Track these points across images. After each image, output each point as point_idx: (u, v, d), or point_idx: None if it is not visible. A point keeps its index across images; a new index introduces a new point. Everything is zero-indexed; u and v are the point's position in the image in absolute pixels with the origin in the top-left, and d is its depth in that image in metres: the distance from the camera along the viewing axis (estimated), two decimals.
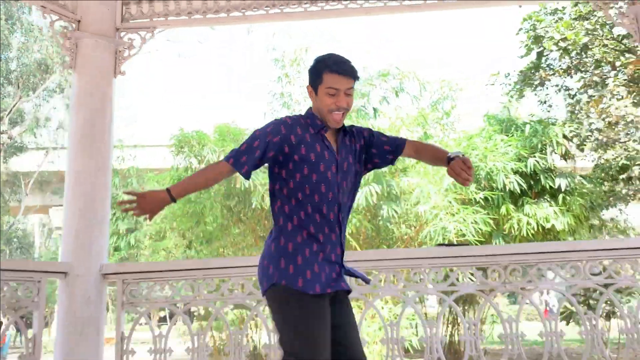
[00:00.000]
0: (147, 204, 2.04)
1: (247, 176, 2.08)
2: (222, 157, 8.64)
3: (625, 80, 8.46)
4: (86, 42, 3.32)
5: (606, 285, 2.97)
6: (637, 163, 8.34)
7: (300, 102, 13.21)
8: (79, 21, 3.35)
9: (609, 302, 5.82)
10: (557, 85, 10.08)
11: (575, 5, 8.91)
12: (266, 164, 2.14)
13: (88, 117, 3.26)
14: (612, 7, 3.46)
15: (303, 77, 13.01)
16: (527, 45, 9.59)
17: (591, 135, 8.93)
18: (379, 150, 2.26)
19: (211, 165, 2.13)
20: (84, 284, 3.02)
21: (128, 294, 3.09)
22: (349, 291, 2.14)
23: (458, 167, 2.02)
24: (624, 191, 9.33)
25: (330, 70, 2.07)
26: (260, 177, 9.64)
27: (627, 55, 8.59)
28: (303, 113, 2.23)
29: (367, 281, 2.29)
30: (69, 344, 2.97)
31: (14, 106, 18.38)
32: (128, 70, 3.43)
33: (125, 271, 3.16)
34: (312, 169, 2.06)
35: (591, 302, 8.66)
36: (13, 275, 2.80)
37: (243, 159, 2.04)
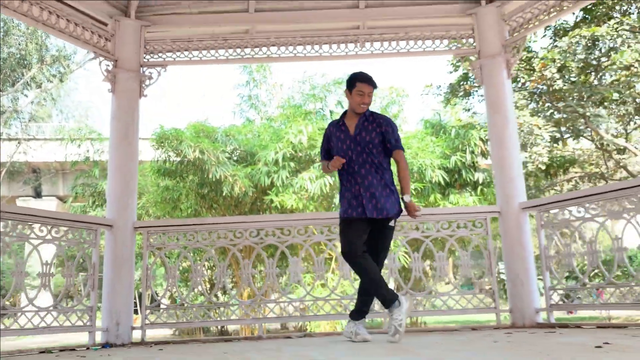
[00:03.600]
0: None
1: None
2: (197, 153, 10.42)
3: (526, 93, 10.45)
4: (121, 75, 5.01)
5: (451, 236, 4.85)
6: (528, 163, 10.32)
7: (266, 104, 14.89)
8: (116, 60, 5.04)
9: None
10: (481, 96, 12.09)
11: None
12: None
13: (122, 126, 4.95)
14: (466, 60, 5.34)
15: (269, 80, 14.70)
16: (453, 63, 11.55)
17: None
18: (379, 142, 3.70)
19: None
20: (122, 233, 4.72)
21: (151, 241, 4.82)
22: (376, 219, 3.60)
23: (411, 209, 3.68)
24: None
25: (360, 80, 3.69)
26: (230, 170, 11.31)
27: (534, 74, 10.59)
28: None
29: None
30: (113, 272, 4.66)
31: None
32: (149, 93, 5.14)
33: (149, 225, 4.91)
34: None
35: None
36: (81, 224, 4.50)
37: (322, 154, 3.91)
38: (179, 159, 12.01)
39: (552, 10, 4.92)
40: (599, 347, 2.52)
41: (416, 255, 4.84)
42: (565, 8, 4.83)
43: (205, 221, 5.06)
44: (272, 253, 7.51)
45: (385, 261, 3.99)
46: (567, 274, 4.73)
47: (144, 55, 5.21)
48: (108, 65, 5.02)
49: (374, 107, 14.44)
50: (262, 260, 8.17)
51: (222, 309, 4.90)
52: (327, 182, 11.03)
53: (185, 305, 4.91)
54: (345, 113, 3.82)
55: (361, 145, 3.64)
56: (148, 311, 4.76)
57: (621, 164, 12.19)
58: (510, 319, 4.72)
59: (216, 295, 12.80)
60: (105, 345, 4.43)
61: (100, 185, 15.13)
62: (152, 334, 14.58)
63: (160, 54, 5.28)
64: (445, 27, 5.35)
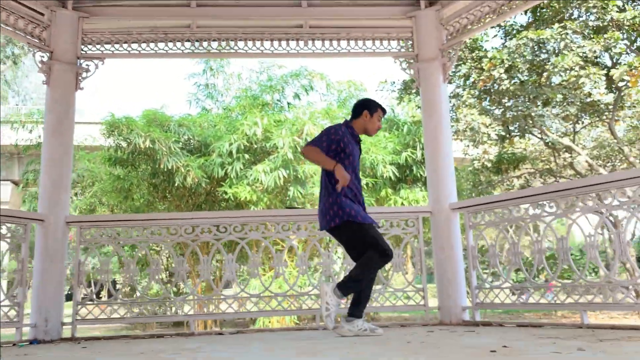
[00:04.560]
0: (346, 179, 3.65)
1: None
2: (148, 142, 10.25)
3: (475, 92, 10.68)
4: (57, 67, 4.92)
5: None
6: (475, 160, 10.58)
7: (223, 93, 14.77)
8: (52, 52, 4.94)
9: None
10: None
11: None
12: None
13: (56, 120, 4.88)
14: (403, 61, 5.44)
15: (227, 70, 14.56)
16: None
17: (454, 136, 11.18)
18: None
19: None
20: (54, 228, 4.66)
21: (83, 236, 4.78)
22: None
23: None
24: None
25: (382, 109, 4.04)
26: (183, 160, 11.22)
27: (483, 74, 10.81)
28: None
29: None
30: (43, 267, 4.61)
31: None
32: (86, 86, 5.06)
33: (81, 220, 4.86)
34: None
35: None
36: (12, 219, 4.43)
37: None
38: (131, 147, 11.85)
39: (488, 16, 5.05)
40: (494, 351, 2.64)
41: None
42: (501, 13, 4.96)
43: (137, 217, 5.04)
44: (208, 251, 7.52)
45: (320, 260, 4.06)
46: (492, 273, 4.89)
47: (82, 47, 5.13)
48: (43, 57, 4.93)
49: (332, 99, 14.50)
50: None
51: (167, 303, 4.90)
52: (281, 175, 11.06)
53: (119, 300, 4.89)
54: (348, 125, 3.99)
55: (358, 160, 3.99)
56: (79, 306, 4.73)
57: (567, 162, 12.59)
58: (438, 316, 4.87)
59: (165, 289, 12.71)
60: (33, 341, 4.38)
61: None
62: (107, 327, 14.35)
63: (98, 46, 5.20)
64: (386, 29, 5.43)
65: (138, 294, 4.85)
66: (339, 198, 3.72)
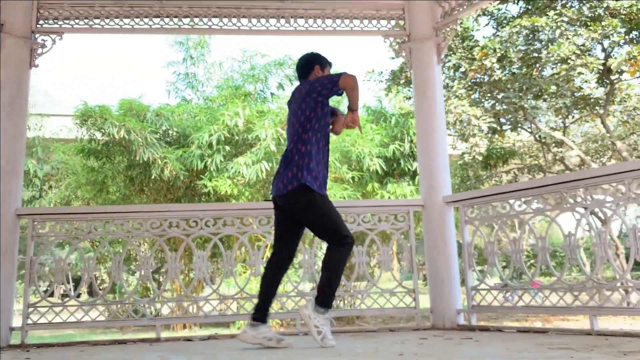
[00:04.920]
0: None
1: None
2: (123, 132, 9.67)
3: (466, 82, 10.28)
4: (8, 42, 4.39)
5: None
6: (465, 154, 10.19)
7: (204, 83, 14.23)
8: (2, 24, 4.41)
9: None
10: None
11: None
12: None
13: (7, 99, 4.34)
14: (397, 42, 4.99)
15: (207, 59, 14.03)
16: (394, 49, 11.23)
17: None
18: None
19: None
20: (3, 221, 4.14)
21: (36, 230, 4.27)
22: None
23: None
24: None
25: (330, 65, 3.55)
26: (160, 152, 10.69)
27: (475, 63, 10.41)
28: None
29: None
30: None
31: None
32: (42, 63, 4.54)
33: (34, 213, 4.35)
34: None
35: None
36: None
37: None
38: (105, 138, 11.27)
39: None
40: None
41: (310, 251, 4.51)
42: None
43: (96, 209, 4.52)
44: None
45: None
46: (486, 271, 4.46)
47: (37, 21, 4.60)
48: None
49: None
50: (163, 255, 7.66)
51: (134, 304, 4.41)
52: (263, 168, 10.58)
53: (75, 302, 4.38)
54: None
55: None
56: (31, 309, 4.22)
57: (557, 157, 12.27)
58: (431, 319, 4.45)
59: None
60: None
61: (25, 164, 14.20)
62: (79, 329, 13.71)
63: (56, 20, 4.67)
64: (375, 5, 4.98)
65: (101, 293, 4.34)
66: (308, 159, 3.23)
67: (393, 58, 11.60)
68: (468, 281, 4.35)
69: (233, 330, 9.92)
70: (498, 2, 4.97)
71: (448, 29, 4.81)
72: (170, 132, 11.93)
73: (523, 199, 4.00)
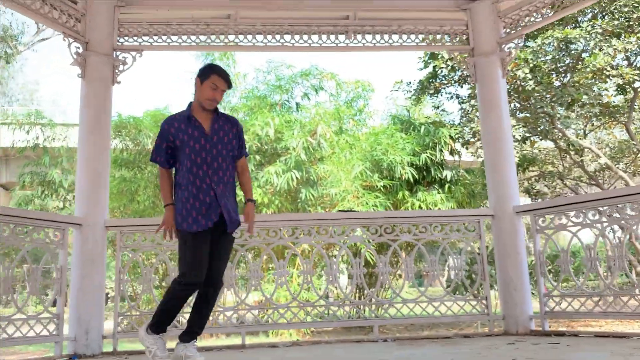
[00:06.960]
0: (168, 224, 3.09)
1: (166, 165, 3.14)
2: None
3: None
4: (92, 59, 4.56)
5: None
6: None
7: (229, 93, 14.36)
8: (87, 42, 4.58)
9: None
10: (450, 94, 12.03)
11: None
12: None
13: (93, 114, 4.51)
14: (458, 56, 5.16)
15: (233, 70, 14.20)
16: (424, 60, 11.43)
17: (474, 137, 10.93)
18: (236, 147, 3.24)
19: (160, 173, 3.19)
20: (93, 232, 4.29)
21: (124, 240, 4.42)
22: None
23: (252, 216, 3.26)
24: None
25: (218, 73, 3.12)
26: None
27: (509, 73, 10.53)
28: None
29: (227, 229, 3.11)
30: (82, 275, 4.23)
31: None
32: (123, 80, 4.70)
33: (122, 225, 4.50)
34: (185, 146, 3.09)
35: None
36: (49, 223, 4.06)
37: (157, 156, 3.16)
38: (138, 148, 11.44)
39: (549, 8, 4.79)
40: None
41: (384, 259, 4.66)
42: (563, 7, 4.70)
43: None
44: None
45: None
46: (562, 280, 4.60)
47: (118, 38, 4.76)
48: (78, 48, 4.55)
49: (340, 100, 14.20)
50: None
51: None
52: (294, 177, 10.73)
53: None
54: (190, 106, 3.22)
55: (217, 148, 3.13)
56: (120, 318, 4.37)
57: (576, 163, 12.37)
58: (503, 325, 4.59)
59: None
60: (73, 356, 4.02)
61: (51, 174, 14.39)
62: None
63: (135, 38, 4.84)
64: (439, 21, 5.14)
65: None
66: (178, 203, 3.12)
67: (421, 69, 11.76)
68: (541, 288, 4.49)
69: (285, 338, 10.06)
70: (559, 17, 5.11)
71: (513, 45, 4.96)
72: None
73: (600, 208, 4.14)
